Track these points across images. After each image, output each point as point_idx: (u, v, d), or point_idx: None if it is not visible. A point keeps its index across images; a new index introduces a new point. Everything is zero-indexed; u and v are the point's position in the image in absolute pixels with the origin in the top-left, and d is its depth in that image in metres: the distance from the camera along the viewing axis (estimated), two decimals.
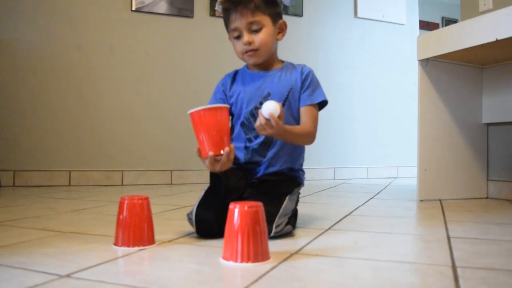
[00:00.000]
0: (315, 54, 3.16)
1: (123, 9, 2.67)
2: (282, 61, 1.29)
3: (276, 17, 1.21)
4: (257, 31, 1.16)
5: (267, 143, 1.20)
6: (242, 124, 1.23)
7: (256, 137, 1.21)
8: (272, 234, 1.01)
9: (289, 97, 1.21)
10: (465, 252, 0.94)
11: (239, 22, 1.15)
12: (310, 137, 1.22)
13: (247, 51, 1.18)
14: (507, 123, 1.95)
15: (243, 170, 1.22)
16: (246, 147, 1.22)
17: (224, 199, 1.09)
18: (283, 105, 1.20)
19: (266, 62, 1.24)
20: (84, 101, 2.60)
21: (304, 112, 1.23)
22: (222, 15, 1.23)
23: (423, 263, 0.88)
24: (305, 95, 1.23)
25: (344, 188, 2.53)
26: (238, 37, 1.18)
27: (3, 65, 2.47)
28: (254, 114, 1.20)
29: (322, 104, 1.26)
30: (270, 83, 1.22)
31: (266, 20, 1.17)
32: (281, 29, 1.24)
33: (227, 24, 1.20)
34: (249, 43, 1.16)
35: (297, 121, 1.23)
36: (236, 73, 1.29)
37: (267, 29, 1.18)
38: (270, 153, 1.20)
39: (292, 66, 1.27)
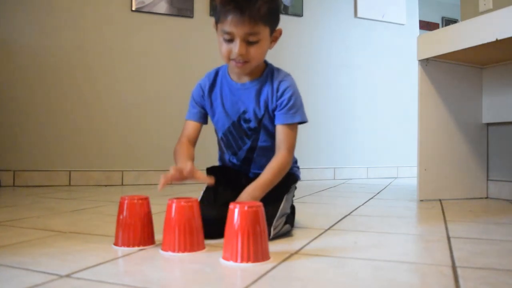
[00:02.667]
0: (315, 54, 3.16)
1: (123, 9, 2.67)
2: (266, 64, 1.17)
3: (275, 26, 1.11)
4: (253, 43, 1.05)
5: (248, 160, 1.17)
6: (221, 139, 1.21)
7: (235, 154, 1.19)
8: (271, 236, 1.00)
9: (265, 115, 1.15)
10: (465, 252, 0.94)
11: (236, 29, 1.03)
12: (285, 169, 1.11)
13: (234, 59, 1.07)
14: (507, 123, 1.95)
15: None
16: (230, 161, 1.21)
17: (224, 196, 1.09)
18: (260, 122, 1.14)
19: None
20: (84, 101, 2.60)
21: (280, 132, 1.12)
22: (214, 8, 1.10)
23: (423, 263, 0.88)
24: (281, 113, 1.12)
25: (344, 188, 2.53)
26: (230, 40, 1.06)
27: (3, 65, 2.46)
28: (231, 131, 1.17)
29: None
30: (246, 99, 1.14)
31: (265, 32, 1.07)
32: (275, 38, 1.14)
33: (219, 20, 1.07)
34: (241, 56, 1.05)
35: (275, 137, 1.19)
36: (216, 74, 1.21)
37: (264, 43, 1.08)
38: (253, 166, 1.19)
39: (272, 76, 1.15)
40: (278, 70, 1.18)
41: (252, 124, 1.15)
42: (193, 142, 1.21)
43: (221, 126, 1.19)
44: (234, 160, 1.20)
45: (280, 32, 1.15)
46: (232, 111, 1.16)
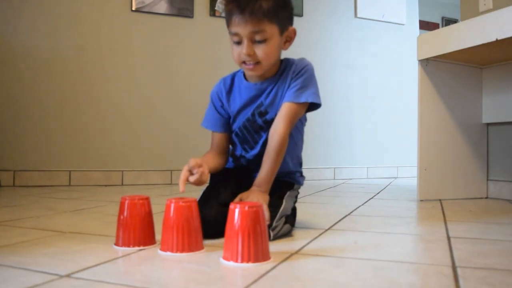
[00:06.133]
0: (315, 54, 3.16)
1: (123, 9, 2.67)
2: (281, 60, 1.16)
3: (285, 25, 1.09)
4: (260, 42, 1.03)
5: (261, 156, 1.12)
6: (236, 135, 1.20)
7: (252, 148, 1.18)
8: (271, 238, 1.00)
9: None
10: (465, 252, 0.94)
11: (241, 28, 1.02)
12: (283, 148, 1.08)
13: (245, 62, 1.06)
14: (507, 123, 1.95)
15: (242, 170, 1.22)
16: (242, 156, 1.21)
17: (223, 197, 1.09)
18: (276, 114, 1.12)
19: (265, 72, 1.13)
20: (84, 101, 2.60)
21: (281, 110, 1.09)
22: (223, 13, 1.14)
23: (423, 263, 0.88)
24: (290, 92, 1.10)
25: (344, 188, 2.53)
26: (239, 43, 1.05)
27: (4, 65, 2.46)
28: (246, 126, 1.17)
29: (314, 106, 1.13)
30: (264, 97, 1.14)
31: (273, 29, 1.04)
32: (289, 38, 1.12)
33: (227, 23, 1.07)
34: (249, 55, 1.04)
35: (298, 128, 1.20)
36: (232, 80, 1.19)
37: (273, 41, 1.05)
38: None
39: (289, 67, 1.14)
40: (294, 59, 1.16)
41: (269, 116, 1.13)
42: (222, 150, 1.21)
43: (237, 123, 1.18)
44: (249, 155, 1.19)
45: (294, 32, 1.13)
46: (248, 107, 1.15)
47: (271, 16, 1.03)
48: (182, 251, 0.89)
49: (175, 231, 0.90)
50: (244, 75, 1.18)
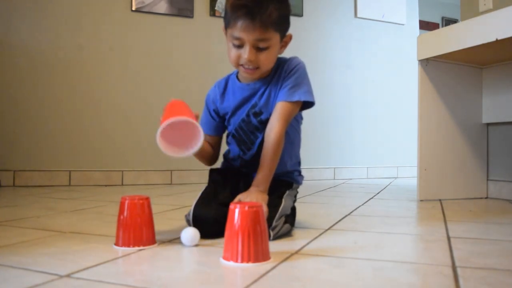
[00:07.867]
0: (315, 54, 3.16)
1: (123, 9, 2.67)
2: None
3: (285, 32, 1.11)
4: (262, 49, 1.04)
5: (258, 156, 1.12)
6: (233, 136, 1.21)
7: (249, 149, 1.19)
8: (271, 238, 1.00)
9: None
10: (465, 252, 0.94)
11: (246, 34, 1.02)
12: (280, 146, 1.09)
13: (243, 65, 1.07)
14: (507, 123, 1.95)
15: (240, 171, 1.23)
16: (240, 157, 1.21)
17: (222, 197, 1.09)
18: (271, 114, 1.13)
19: None
20: (84, 101, 2.60)
21: (275, 110, 1.10)
22: (224, 12, 1.09)
23: (423, 263, 0.88)
24: (283, 91, 1.10)
25: (344, 188, 2.53)
26: (239, 46, 1.05)
27: (3, 65, 2.46)
28: (242, 127, 1.18)
29: (308, 104, 1.14)
30: (258, 98, 1.15)
31: (275, 37, 1.06)
32: (285, 43, 1.14)
33: (229, 24, 1.06)
34: (251, 62, 1.05)
35: (294, 127, 1.20)
36: (226, 82, 1.21)
37: (274, 49, 1.07)
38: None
39: (281, 67, 1.14)
40: (285, 58, 1.17)
41: (264, 116, 1.14)
42: (211, 145, 1.24)
43: (233, 124, 1.19)
44: (247, 156, 1.19)
45: (290, 37, 1.15)
46: (242, 107, 1.16)
47: (277, 25, 1.04)
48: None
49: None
50: (237, 76, 1.19)
